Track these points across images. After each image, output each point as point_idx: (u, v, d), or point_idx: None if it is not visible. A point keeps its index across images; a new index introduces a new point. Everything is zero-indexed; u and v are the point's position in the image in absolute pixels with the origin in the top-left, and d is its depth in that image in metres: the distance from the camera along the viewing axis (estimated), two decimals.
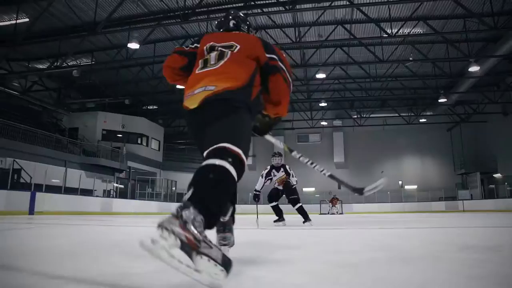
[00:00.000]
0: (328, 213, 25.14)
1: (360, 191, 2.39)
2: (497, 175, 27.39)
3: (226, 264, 1.18)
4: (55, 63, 18.50)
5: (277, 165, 7.81)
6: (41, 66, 21.23)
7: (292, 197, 7.84)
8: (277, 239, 3.97)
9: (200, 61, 2.06)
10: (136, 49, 17.74)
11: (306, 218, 7.36)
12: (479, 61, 18.43)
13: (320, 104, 25.43)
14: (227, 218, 2.08)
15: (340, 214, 24.62)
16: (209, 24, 17.39)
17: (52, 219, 9.74)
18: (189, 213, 1.28)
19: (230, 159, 1.55)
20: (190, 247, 1.19)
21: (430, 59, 20.14)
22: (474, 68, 18.52)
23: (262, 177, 7.98)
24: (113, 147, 24.00)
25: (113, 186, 22.51)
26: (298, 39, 17.33)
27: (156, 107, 30.13)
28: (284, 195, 8.07)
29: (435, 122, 30.02)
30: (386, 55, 19.26)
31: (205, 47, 2.13)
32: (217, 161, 1.52)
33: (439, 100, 23.63)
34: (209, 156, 1.58)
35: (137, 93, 24.85)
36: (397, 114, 29.21)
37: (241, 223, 6.21)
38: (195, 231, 1.21)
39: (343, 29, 17.66)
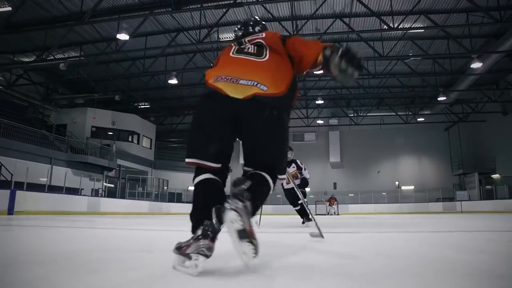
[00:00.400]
0: (328, 214, 24.56)
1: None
2: (496, 176, 26.92)
3: (258, 252, 1.54)
4: (41, 56, 17.63)
5: (288, 159, 7.25)
6: (26, 59, 20.33)
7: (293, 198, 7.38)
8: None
9: (233, 44, 2.11)
10: (126, 41, 16.95)
11: (305, 219, 6.94)
12: (482, 57, 17.87)
13: (317, 102, 24.73)
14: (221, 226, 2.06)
15: (336, 215, 24.05)
16: (202, 14, 16.68)
17: (32, 219, 8.94)
18: (248, 208, 1.58)
19: (275, 179, 1.93)
20: (247, 235, 1.52)
21: (431, 55, 19.53)
22: (476, 65, 17.96)
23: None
24: (102, 145, 23.13)
25: (102, 185, 21.68)
26: (295, 32, 16.61)
27: (147, 105, 29.28)
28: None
29: (433, 122, 29.52)
30: (385, 51, 18.68)
31: (232, 49, 2.11)
32: (270, 180, 1.89)
33: (438, 98, 23.03)
34: (264, 168, 1.90)
35: (128, 89, 24.03)
36: (394, 113, 28.63)
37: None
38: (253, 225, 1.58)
39: (341, 23, 17.02)
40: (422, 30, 18.56)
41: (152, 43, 19.28)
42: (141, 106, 29.41)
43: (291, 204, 7.54)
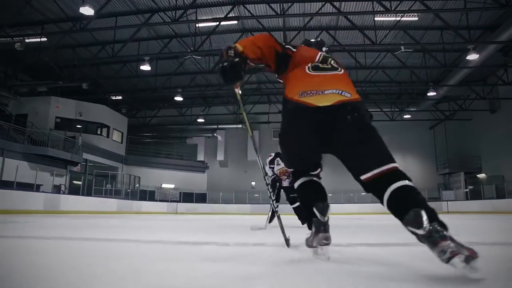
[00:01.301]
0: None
1: None
2: (481, 176, 26.23)
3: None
4: None
5: None
6: None
7: (293, 195, 6.78)
8: None
9: (308, 65, 2.14)
10: (91, 19, 15.04)
11: (302, 220, 6.35)
12: (478, 49, 16.83)
13: None
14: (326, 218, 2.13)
15: None
16: None
17: None
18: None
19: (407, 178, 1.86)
20: (471, 257, 1.43)
21: (424, 43, 18.41)
22: (472, 56, 16.92)
23: (267, 165, 6.99)
24: (67, 137, 21.02)
25: (65, 181, 19.65)
26: (281, 13, 15.21)
27: (119, 96, 27.22)
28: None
29: (419, 119, 28.62)
30: (378, 40, 17.49)
31: (318, 55, 2.22)
32: (410, 183, 1.83)
33: (428, 94, 22.04)
34: (392, 177, 1.83)
35: (97, 77, 22.00)
36: (379, 110, 27.54)
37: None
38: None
39: (330, 6, 15.65)
40: (416, 19, 17.47)
41: (123, 23, 17.40)
42: (113, 98, 27.34)
43: (290, 203, 6.98)
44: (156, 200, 26.35)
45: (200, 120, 30.06)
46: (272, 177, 6.88)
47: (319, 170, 2.24)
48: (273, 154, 7.01)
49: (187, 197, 27.78)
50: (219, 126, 31.66)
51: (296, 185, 2.20)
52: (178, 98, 23.24)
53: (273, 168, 6.92)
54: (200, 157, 31.65)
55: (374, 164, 1.83)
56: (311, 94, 1.94)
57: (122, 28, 16.78)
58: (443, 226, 1.57)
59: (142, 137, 30.01)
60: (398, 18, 17.08)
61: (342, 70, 2.13)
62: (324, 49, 2.47)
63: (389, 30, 17.80)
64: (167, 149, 30.30)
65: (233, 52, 2.02)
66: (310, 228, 2.15)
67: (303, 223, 6.16)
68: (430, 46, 19.17)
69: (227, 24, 18.13)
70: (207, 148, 32.39)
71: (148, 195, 25.71)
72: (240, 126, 31.26)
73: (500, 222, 8.37)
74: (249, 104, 28.68)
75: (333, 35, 18.44)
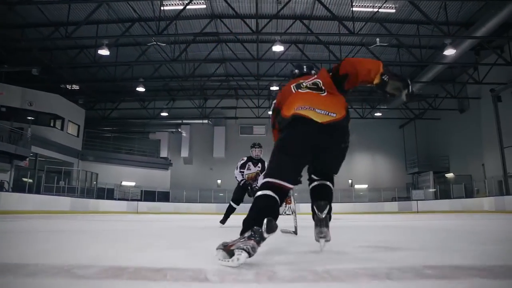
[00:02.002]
0: (284, 213, 22.24)
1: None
2: (449, 175, 26.27)
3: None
4: None
5: (256, 157, 6.74)
6: None
7: None
8: None
9: (292, 85, 2.58)
10: None
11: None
12: (454, 44, 16.41)
13: (271, 88, 22.20)
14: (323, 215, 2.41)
15: (288, 214, 21.87)
16: None
17: None
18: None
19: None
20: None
21: (401, 35, 17.78)
22: (449, 51, 16.48)
23: (237, 169, 6.86)
24: (13, 128, 18.91)
25: (9, 176, 17.62)
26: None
27: (76, 85, 25.15)
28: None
29: (389, 118, 28.37)
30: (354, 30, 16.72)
31: (292, 86, 2.59)
32: (331, 185, 2.59)
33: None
34: (327, 178, 2.59)
35: (51, 63, 19.96)
36: (350, 107, 26.99)
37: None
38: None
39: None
40: (393, 11, 16.87)
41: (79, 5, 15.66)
42: (68, 88, 25.24)
43: (236, 201, 6.98)
44: (115, 199, 24.57)
45: (164, 114, 28.41)
46: (242, 181, 6.76)
47: (292, 186, 2.29)
48: (245, 158, 6.85)
49: (148, 195, 26.21)
50: (184, 121, 30.13)
51: (260, 193, 2.19)
52: (140, 89, 21.59)
53: (243, 172, 6.78)
54: (163, 153, 30.00)
55: (328, 178, 2.60)
56: (305, 108, 2.27)
57: (78, 3, 15.00)
58: (329, 220, 2.36)
59: (101, 131, 27.93)
60: (375, 10, 16.44)
61: (325, 92, 2.41)
62: (312, 72, 2.89)
63: (365, 22, 17.07)
64: (128, 145, 28.44)
65: None
66: (242, 232, 2.03)
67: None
68: (405, 39, 18.61)
69: (195, 8, 16.80)
70: (170, 144, 30.76)
71: (107, 193, 23.87)
72: (206, 121, 29.91)
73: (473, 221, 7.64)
74: (215, 98, 27.43)
75: (307, 25, 17.51)
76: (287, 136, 2.29)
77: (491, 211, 19.02)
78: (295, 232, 3.59)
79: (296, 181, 2.33)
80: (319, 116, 2.21)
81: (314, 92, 2.42)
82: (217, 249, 1.89)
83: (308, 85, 2.49)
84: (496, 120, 19.69)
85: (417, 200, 24.91)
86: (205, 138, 30.78)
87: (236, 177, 6.85)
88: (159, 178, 28.14)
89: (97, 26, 17.40)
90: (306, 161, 2.40)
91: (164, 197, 26.99)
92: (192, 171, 30.77)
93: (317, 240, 2.39)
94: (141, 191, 26.58)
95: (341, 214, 21.05)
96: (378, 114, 27.32)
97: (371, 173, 29.88)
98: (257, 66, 21.53)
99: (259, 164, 6.75)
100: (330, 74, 2.51)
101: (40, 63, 18.95)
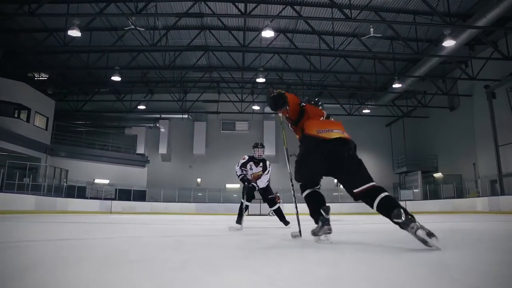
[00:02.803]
0: (270, 214, 21.01)
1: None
2: (438, 175, 25.60)
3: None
4: None
5: (259, 157, 6.57)
6: None
7: (271, 196, 6.77)
8: None
9: (320, 118, 3.30)
10: None
11: (285, 221, 6.57)
12: (454, 34, 15.51)
13: (258, 80, 20.81)
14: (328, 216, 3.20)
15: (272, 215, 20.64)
16: None
17: None
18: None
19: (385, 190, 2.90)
20: (431, 233, 2.45)
21: (397, 22, 16.73)
22: (449, 43, 15.58)
23: (238, 165, 6.62)
24: None
25: None
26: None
27: (45, 74, 23.18)
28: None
29: (377, 115, 27.49)
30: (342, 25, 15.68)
31: (325, 113, 3.40)
32: (387, 193, 2.86)
33: (394, 85, 20.67)
34: (378, 190, 2.87)
35: (15, 46, 18.06)
36: (337, 103, 26.02)
37: None
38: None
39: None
40: None
41: None
42: (37, 76, 23.25)
43: (269, 205, 6.81)
44: (87, 198, 22.74)
45: (141, 107, 26.64)
46: (241, 176, 6.55)
47: (320, 185, 3.37)
48: (246, 157, 6.68)
49: (123, 194, 24.52)
50: (162, 116, 28.51)
51: (304, 194, 3.28)
52: (116, 78, 19.83)
53: (244, 170, 6.57)
54: (140, 149, 28.25)
55: (361, 183, 2.90)
56: (324, 131, 3.06)
57: None
58: (412, 217, 2.54)
59: (72, 124, 25.92)
60: None
61: (339, 120, 3.29)
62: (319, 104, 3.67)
63: (361, 10, 15.95)
64: (102, 140, 26.57)
65: (276, 92, 3.26)
66: (316, 223, 3.15)
67: (286, 224, 6.40)
68: (401, 29, 17.60)
69: None
70: (148, 139, 29.04)
71: (77, 192, 22.04)
72: (186, 116, 28.35)
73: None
74: (195, 92, 25.94)
75: (298, 11, 16.26)
76: (305, 154, 3.19)
77: (484, 211, 18.32)
78: (300, 234, 3.69)
79: (316, 185, 3.38)
80: (334, 134, 3.05)
81: (332, 120, 3.36)
82: (312, 235, 3.14)
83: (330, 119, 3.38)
84: (491, 118, 18.98)
85: (405, 200, 24.13)
86: (184, 134, 29.22)
87: (236, 174, 6.60)
88: (135, 176, 26.44)
89: (67, 6, 15.66)
90: (322, 173, 3.25)
91: (140, 196, 25.41)
92: (170, 169, 29.14)
93: (426, 241, 2.50)
94: (116, 189, 24.87)
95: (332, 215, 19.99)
96: (367, 111, 26.36)
97: None
98: (242, 56, 20.17)
99: (261, 164, 6.56)
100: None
101: (3, 46, 17.05)
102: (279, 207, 6.65)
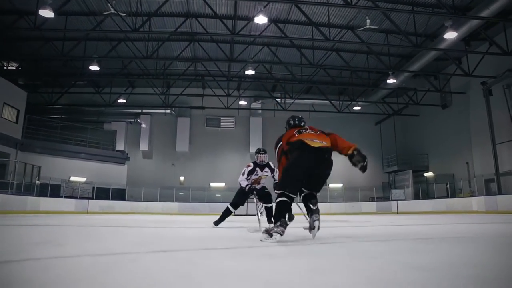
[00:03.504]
0: (260, 214, 19.92)
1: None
2: (429, 174, 25.00)
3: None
4: None
5: (261, 163, 6.63)
6: None
7: (267, 190, 6.86)
8: None
9: (295, 132, 3.99)
10: None
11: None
12: (455, 26, 14.75)
13: (247, 72, 19.58)
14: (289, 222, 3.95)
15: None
16: None
17: None
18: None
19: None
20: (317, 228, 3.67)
21: (397, 10, 15.83)
22: (450, 35, 14.81)
23: (244, 175, 6.63)
24: None
25: None
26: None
27: (14, 63, 21.48)
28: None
29: (367, 113, 26.73)
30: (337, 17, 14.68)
31: (294, 131, 4.01)
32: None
33: (388, 81, 19.88)
34: (317, 190, 4.00)
35: None
36: (327, 100, 25.13)
37: None
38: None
39: None
40: None
41: None
42: (6, 65, 21.51)
43: (264, 202, 6.76)
44: (62, 196, 21.20)
45: (121, 100, 25.10)
46: (248, 186, 6.60)
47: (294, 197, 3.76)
48: (252, 165, 6.76)
49: (102, 193, 23.03)
50: (144, 110, 27.07)
51: (280, 199, 3.61)
52: (94, 67, 18.33)
53: (249, 179, 6.63)
54: (120, 146, 26.73)
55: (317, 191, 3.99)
56: (310, 140, 3.74)
57: None
58: (318, 212, 3.75)
59: (46, 118, 24.21)
60: None
61: (319, 132, 3.96)
62: (303, 124, 4.35)
63: None
64: (79, 135, 24.96)
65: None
66: (275, 224, 3.58)
67: (269, 222, 6.23)
68: (398, 19, 16.75)
69: None
70: (128, 135, 27.53)
71: (51, 190, 20.50)
72: (168, 111, 27.00)
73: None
74: (179, 87, 24.66)
75: None
76: (298, 159, 3.78)
77: (480, 211, 17.74)
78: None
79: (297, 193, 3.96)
80: (316, 143, 3.71)
81: (312, 132, 3.94)
82: (262, 233, 3.60)
83: (308, 131, 3.96)
84: (488, 115, 18.38)
85: (396, 200, 23.47)
86: (167, 130, 27.85)
87: (240, 183, 6.70)
88: (114, 174, 24.97)
89: None
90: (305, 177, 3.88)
91: (119, 195, 23.96)
92: (152, 167, 27.72)
93: (312, 227, 3.67)
94: (93, 188, 23.39)
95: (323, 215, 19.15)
96: (357, 108, 25.53)
97: (346, 172, 27.84)
98: (230, 48, 18.98)
99: (266, 168, 6.70)
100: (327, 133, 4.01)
101: None
102: (272, 205, 6.40)
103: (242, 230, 5.49)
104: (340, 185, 27.44)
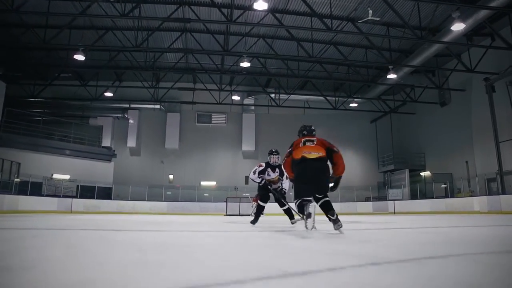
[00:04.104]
0: (251, 214, 19.04)
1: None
2: (425, 173, 24.40)
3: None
4: None
5: (274, 164, 7.20)
6: None
7: (281, 199, 7.32)
8: None
9: (301, 143, 4.94)
10: None
11: (291, 217, 7.22)
12: (464, 16, 14.05)
13: (242, 64, 18.56)
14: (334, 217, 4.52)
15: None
16: None
17: None
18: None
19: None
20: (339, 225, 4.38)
21: None
22: (457, 26, 14.11)
23: (255, 173, 7.28)
24: None
25: None
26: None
27: None
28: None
29: (363, 110, 26.00)
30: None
31: (301, 141, 4.98)
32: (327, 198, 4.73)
33: (388, 76, 19.17)
34: (324, 194, 4.71)
35: None
36: (322, 96, 24.35)
37: None
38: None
39: None
40: None
41: None
42: None
43: (263, 201, 7.46)
44: (43, 195, 20.02)
45: (108, 94, 23.86)
46: (263, 181, 7.18)
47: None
48: (263, 165, 7.25)
49: (86, 191, 22.06)
50: (132, 105, 25.90)
51: (297, 201, 4.77)
52: (79, 57, 17.13)
53: (261, 177, 7.19)
54: (106, 142, 25.52)
55: (324, 192, 4.69)
56: (307, 153, 4.72)
57: None
58: (338, 218, 4.40)
59: (28, 112, 22.86)
60: None
61: (315, 143, 4.85)
62: (314, 132, 5.20)
63: None
64: (63, 130, 23.66)
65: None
66: (303, 217, 4.81)
67: (292, 222, 6.90)
68: (401, 9, 15.98)
69: None
70: (115, 131, 26.34)
71: (31, 188, 19.29)
72: (158, 106, 25.90)
73: None
74: (169, 81, 23.61)
75: None
76: (301, 171, 4.81)
77: (483, 212, 17.15)
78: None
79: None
80: (312, 155, 4.71)
81: (312, 145, 4.84)
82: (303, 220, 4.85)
83: (310, 143, 4.87)
84: (491, 112, 17.80)
85: (393, 200, 22.81)
86: (156, 126, 26.73)
87: (253, 180, 7.31)
88: (100, 171, 23.83)
89: None
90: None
91: (105, 193, 23.01)
92: (139, 164, 26.58)
93: (337, 229, 4.40)
94: (77, 186, 22.32)
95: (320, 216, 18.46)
96: (354, 105, 24.77)
97: None
98: (224, 39, 18.01)
99: (277, 170, 7.16)
100: (327, 146, 4.88)
101: None
102: (288, 208, 7.20)
103: (285, 234, 4.57)
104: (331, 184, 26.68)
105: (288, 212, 7.19)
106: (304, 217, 4.61)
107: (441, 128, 23.05)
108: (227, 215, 19.14)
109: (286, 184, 7.21)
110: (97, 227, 5.66)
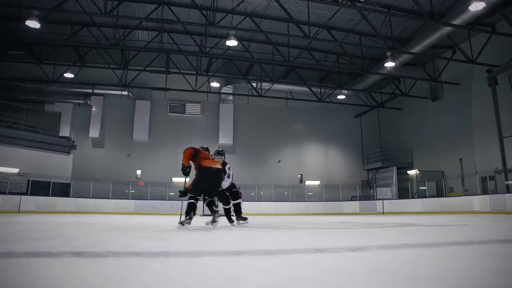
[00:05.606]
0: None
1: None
2: (412, 172, 23.18)
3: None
4: None
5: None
6: None
7: (235, 189, 7.87)
8: None
9: (210, 156, 6.65)
10: None
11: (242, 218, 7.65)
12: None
13: (228, 43, 16.22)
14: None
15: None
16: None
17: None
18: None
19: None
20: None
21: None
22: (476, 5, 12.65)
23: (227, 173, 7.68)
24: None
25: None
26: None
27: None
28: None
29: (348, 103, 24.46)
30: None
31: (211, 154, 6.80)
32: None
33: (385, 64, 17.64)
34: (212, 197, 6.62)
35: None
36: (307, 87, 22.61)
37: None
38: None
39: None
40: None
41: None
42: None
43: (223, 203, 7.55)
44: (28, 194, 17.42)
45: (68, 75, 20.79)
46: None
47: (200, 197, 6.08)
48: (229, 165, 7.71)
49: (39, 187, 19.32)
50: (96, 91, 23.04)
51: (190, 200, 5.85)
52: (33, 24, 14.26)
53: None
54: (65, 131, 22.52)
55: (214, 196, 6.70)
56: (213, 164, 6.17)
57: None
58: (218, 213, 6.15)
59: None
60: None
61: (216, 159, 6.98)
62: (223, 156, 7.41)
63: None
64: (12, 116, 20.56)
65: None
66: (186, 216, 5.89)
67: (231, 222, 7.47)
68: None
69: None
70: (75, 119, 23.33)
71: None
72: (125, 92, 23.19)
73: None
74: (139, 66, 21.01)
75: None
76: (204, 177, 6.03)
77: (485, 211, 15.98)
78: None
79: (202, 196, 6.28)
80: (216, 165, 6.18)
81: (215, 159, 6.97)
82: (178, 223, 5.71)
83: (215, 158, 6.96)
84: (494, 106, 16.65)
85: (382, 199, 21.43)
86: (123, 115, 23.95)
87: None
88: (56, 165, 21.03)
89: None
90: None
91: (62, 190, 20.47)
92: (103, 157, 23.71)
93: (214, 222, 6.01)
94: (28, 181, 19.56)
95: (294, 216, 16.96)
96: (342, 97, 23.13)
97: (323, 168, 25.84)
98: (206, 14, 15.74)
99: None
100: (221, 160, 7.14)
101: None
102: (239, 202, 7.61)
103: None
104: (317, 182, 25.03)
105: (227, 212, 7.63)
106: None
107: (431, 124, 21.94)
108: (203, 215, 16.99)
109: (225, 184, 7.59)
110: (49, 233, 3.37)
